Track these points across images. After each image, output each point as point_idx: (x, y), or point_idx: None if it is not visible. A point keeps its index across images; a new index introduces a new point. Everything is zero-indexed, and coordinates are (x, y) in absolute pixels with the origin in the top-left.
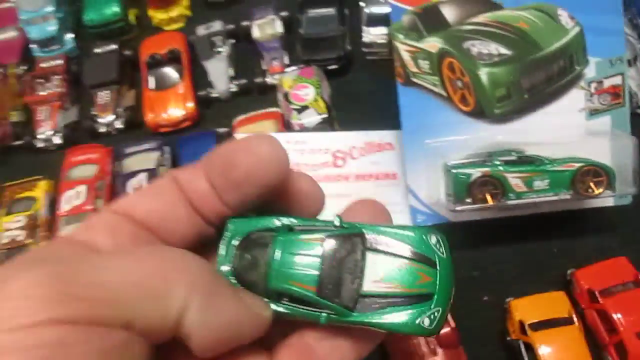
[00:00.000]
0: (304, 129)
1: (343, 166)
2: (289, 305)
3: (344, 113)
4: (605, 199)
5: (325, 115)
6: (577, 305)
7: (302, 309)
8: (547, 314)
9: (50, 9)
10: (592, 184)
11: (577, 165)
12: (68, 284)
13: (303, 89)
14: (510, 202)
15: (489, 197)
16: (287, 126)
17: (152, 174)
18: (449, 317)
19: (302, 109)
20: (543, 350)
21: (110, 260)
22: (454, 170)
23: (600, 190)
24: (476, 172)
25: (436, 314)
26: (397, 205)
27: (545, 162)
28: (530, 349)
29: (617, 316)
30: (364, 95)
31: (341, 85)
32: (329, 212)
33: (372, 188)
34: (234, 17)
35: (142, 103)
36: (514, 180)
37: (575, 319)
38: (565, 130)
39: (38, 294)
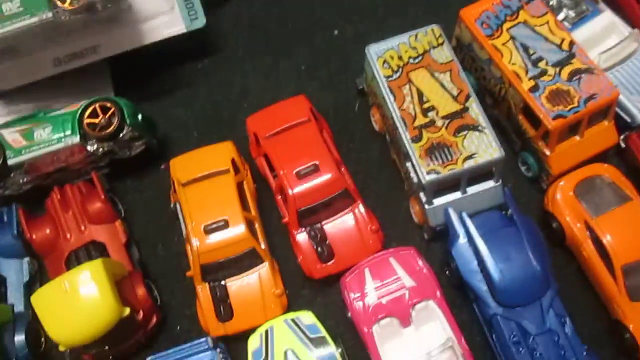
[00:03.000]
0: None
1: None
2: None
3: None
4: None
5: None
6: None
7: None
8: (203, 169)
9: None
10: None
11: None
12: None
13: None
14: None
15: None
16: None
17: None
18: (99, 187)
19: None
20: (188, 205)
21: None
22: None
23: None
24: None
25: None
26: None
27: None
28: None
29: (276, 157)
30: None
31: None
32: None
33: None
34: None
35: None
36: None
37: (231, 169)
38: None
39: None
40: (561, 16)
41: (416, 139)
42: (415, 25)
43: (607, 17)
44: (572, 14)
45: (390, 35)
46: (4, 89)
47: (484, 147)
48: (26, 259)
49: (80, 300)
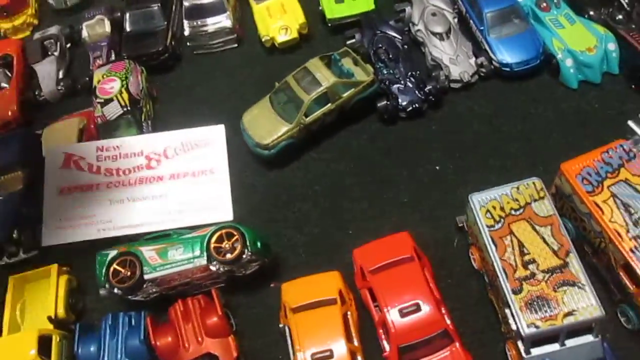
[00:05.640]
0: (105, 121)
1: (157, 167)
2: None
3: (167, 106)
4: None
5: (127, 108)
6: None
7: None
8: (311, 296)
9: None
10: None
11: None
12: None
13: (110, 82)
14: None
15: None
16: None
17: None
18: (217, 304)
19: (106, 102)
20: (298, 331)
21: None
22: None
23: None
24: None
25: None
26: (218, 199)
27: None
28: None
29: (380, 293)
30: (188, 89)
31: (167, 80)
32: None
33: (190, 186)
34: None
35: None
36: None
37: (338, 300)
38: None
39: None
40: None
41: (517, 291)
42: (515, 165)
43: None
44: None
45: (489, 173)
46: None
47: (584, 304)
48: None
49: None
